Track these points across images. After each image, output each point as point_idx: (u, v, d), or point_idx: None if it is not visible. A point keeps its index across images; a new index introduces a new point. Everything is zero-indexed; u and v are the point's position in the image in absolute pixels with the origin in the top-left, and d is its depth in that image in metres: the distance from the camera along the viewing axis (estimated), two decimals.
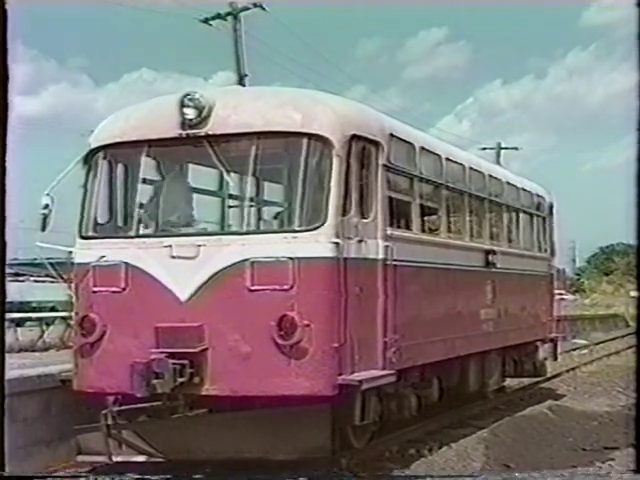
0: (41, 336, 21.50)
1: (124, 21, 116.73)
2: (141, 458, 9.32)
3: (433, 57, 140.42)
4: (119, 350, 9.00)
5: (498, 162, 42.12)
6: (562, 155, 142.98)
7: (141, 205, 9.65)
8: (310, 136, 8.91)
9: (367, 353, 9.13)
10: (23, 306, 28.80)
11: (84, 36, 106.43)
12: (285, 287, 8.59)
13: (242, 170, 9.43)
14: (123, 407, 9.06)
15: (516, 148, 54.36)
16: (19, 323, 22.37)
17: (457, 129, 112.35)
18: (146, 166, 9.68)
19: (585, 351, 28.28)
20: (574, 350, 27.32)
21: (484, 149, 48.87)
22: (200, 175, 10.25)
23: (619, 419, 12.98)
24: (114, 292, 9.18)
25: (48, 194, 9.36)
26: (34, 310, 29.50)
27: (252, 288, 8.68)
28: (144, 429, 9.30)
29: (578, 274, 75.28)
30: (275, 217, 9.85)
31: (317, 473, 9.04)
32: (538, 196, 16.17)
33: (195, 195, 10.23)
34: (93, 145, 9.70)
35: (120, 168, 9.85)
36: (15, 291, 27.93)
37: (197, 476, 8.89)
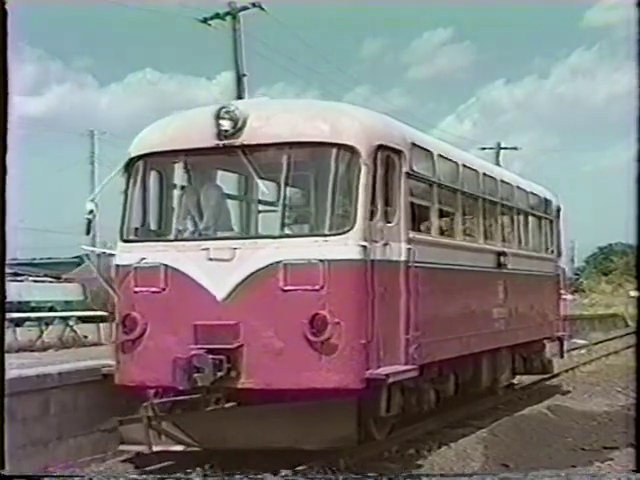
0: (40, 336, 21.56)
1: (128, 21, 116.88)
2: (179, 447, 9.85)
3: (437, 57, 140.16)
4: (159, 346, 9.52)
5: (497, 162, 42.51)
6: (564, 155, 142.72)
7: (179, 210, 10.18)
8: (339, 146, 9.46)
9: (391, 349, 9.64)
10: (22, 306, 29.12)
11: (88, 36, 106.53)
12: (316, 287, 9.11)
13: (274, 178, 9.93)
14: (163, 399, 9.65)
15: (516, 148, 54.60)
16: (18, 323, 22.49)
17: (459, 129, 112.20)
18: (183, 174, 10.24)
19: (584, 351, 28.30)
20: (573, 350, 27.35)
21: (483, 149, 49.22)
22: (233, 182, 10.81)
23: (618, 419, 13.08)
24: (154, 292, 9.70)
25: (92, 200, 9.92)
26: (33, 310, 29.83)
27: (285, 288, 9.20)
28: (182, 421, 9.83)
29: (577, 274, 75.39)
30: (306, 222, 10.36)
31: (317, 473, 9.40)
32: (546, 199, 16.75)
33: (229, 201, 10.79)
34: (133, 154, 10.23)
35: (159, 176, 10.42)
36: (14, 291, 28.22)
37: (192, 475, 9.31)
